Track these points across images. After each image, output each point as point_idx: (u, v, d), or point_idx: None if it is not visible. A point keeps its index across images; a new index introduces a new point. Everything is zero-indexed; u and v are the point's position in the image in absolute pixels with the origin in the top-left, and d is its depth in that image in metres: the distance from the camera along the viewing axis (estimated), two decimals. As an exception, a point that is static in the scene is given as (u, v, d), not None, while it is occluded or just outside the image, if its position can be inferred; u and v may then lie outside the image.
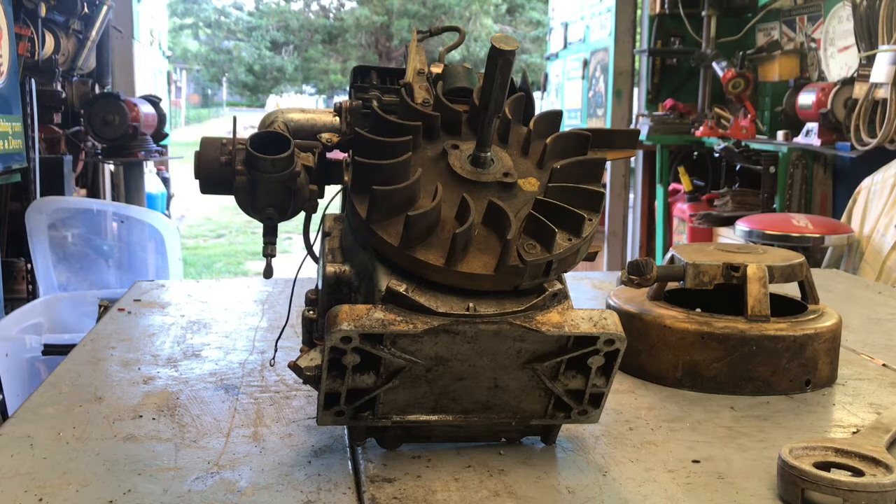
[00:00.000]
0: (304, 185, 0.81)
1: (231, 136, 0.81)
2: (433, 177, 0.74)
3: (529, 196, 0.74)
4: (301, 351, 0.77)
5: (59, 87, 3.93)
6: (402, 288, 0.69)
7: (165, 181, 6.05)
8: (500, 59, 0.68)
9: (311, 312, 0.80)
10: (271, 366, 1.04)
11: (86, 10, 4.07)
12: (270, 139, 0.79)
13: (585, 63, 5.70)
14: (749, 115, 4.26)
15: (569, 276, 0.76)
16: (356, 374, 0.72)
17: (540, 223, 0.70)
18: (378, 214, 0.70)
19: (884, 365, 1.12)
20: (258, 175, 0.78)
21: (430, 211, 0.69)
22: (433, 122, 0.77)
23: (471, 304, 0.70)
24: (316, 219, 0.85)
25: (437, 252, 0.69)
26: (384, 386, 0.73)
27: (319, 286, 0.80)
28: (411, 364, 0.72)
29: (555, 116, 0.80)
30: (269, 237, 0.83)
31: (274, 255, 0.83)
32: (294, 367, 0.75)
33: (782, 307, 1.04)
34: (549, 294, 0.72)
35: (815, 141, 3.62)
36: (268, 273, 0.84)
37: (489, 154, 0.75)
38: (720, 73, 4.47)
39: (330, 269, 0.77)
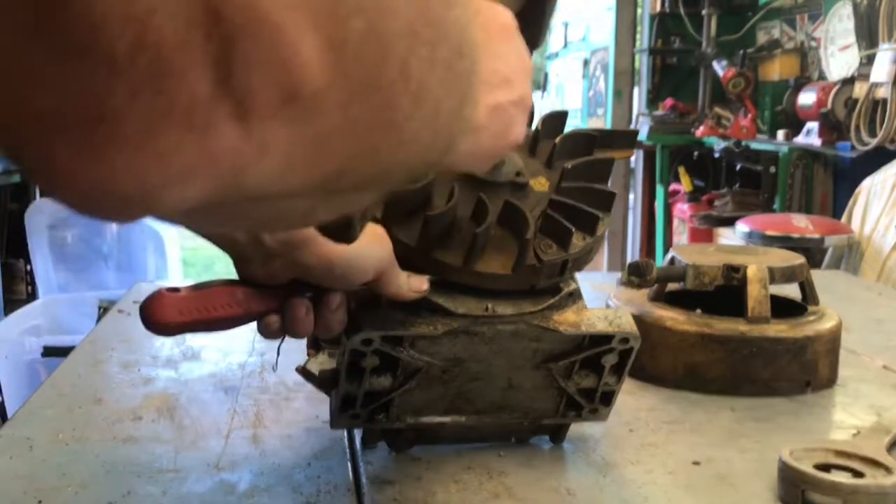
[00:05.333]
0: None
1: None
2: (446, 177, 0.73)
3: (540, 196, 0.74)
4: (308, 354, 0.77)
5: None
6: None
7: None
8: None
9: None
10: (274, 371, 1.04)
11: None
12: None
13: (586, 62, 5.70)
14: (749, 115, 4.26)
15: (570, 277, 0.77)
16: (374, 377, 0.72)
17: (556, 222, 0.71)
18: (394, 215, 0.70)
19: (884, 366, 1.11)
20: None
21: (448, 211, 0.69)
22: None
23: (489, 305, 0.71)
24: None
25: (455, 252, 0.70)
26: (401, 388, 0.73)
27: None
28: (429, 365, 0.72)
29: (561, 117, 0.81)
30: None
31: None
32: (303, 371, 0.74)
33: (783, 308, 1.04)
34: (565, 294, 0.73)
35: (815, 141, 3.62)
36: None
37: None
38: (720, 73, 4.46)
39: None
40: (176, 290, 0.60)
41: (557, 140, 0.78)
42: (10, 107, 0.22)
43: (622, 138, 0.83)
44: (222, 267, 7.16)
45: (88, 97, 0.21)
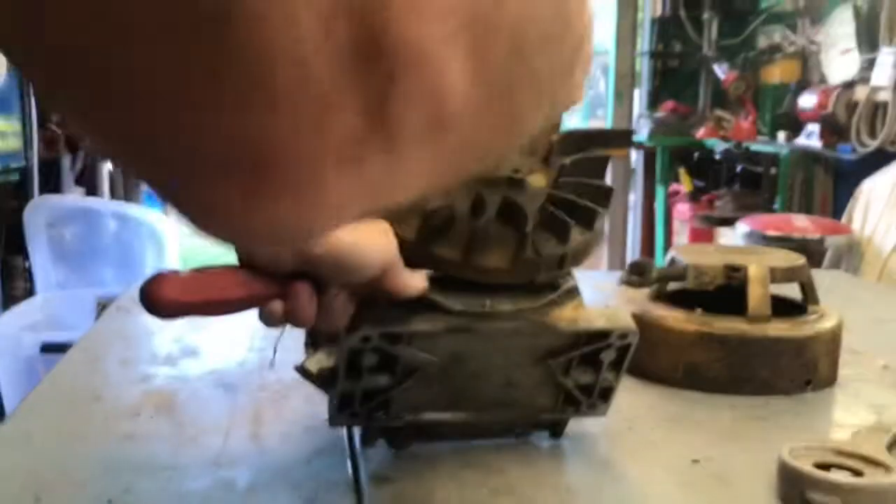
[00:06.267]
0: None
1: None
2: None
3: (538, 191, 0.74)
4: (307, 352, 0.77)
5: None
6: None
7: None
8: None
9: None
10: (271, 367, 1.04)
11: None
12: None
13: (586, 64, 5.69)
14: (750, 117, 4.26)
15: (570, 277, 0.77)
16: (372, 375, 0.72)
17: (554, 217, 0.71)
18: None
19: (884, 366, 1.11)
20: None
21: (447, 205, 0.68)
22: None
23: (487, 302, 0.70)
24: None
25: (454, 247, 0.69)
26: (400, 386, 0.73)
27: None
28: (427, 363, 0.72)
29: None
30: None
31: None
32: (302, 370, 0.74)
33: (783, 308, 1.04)
34: (563, 290, 0.74)
35: (816, 143, 3.62)
36: None
37: None
38: (721, 76, 4.47)
39: None
40: (177, 272, 0.59)
41: (555, 138, 0.78)
42: (174, 147, 0.21)
43: (618, 137, 0.84)
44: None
45: (252, 139, 0.21)
